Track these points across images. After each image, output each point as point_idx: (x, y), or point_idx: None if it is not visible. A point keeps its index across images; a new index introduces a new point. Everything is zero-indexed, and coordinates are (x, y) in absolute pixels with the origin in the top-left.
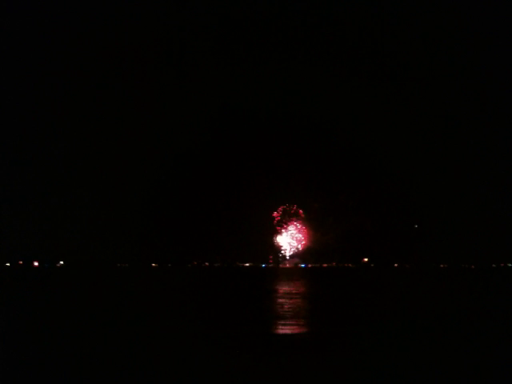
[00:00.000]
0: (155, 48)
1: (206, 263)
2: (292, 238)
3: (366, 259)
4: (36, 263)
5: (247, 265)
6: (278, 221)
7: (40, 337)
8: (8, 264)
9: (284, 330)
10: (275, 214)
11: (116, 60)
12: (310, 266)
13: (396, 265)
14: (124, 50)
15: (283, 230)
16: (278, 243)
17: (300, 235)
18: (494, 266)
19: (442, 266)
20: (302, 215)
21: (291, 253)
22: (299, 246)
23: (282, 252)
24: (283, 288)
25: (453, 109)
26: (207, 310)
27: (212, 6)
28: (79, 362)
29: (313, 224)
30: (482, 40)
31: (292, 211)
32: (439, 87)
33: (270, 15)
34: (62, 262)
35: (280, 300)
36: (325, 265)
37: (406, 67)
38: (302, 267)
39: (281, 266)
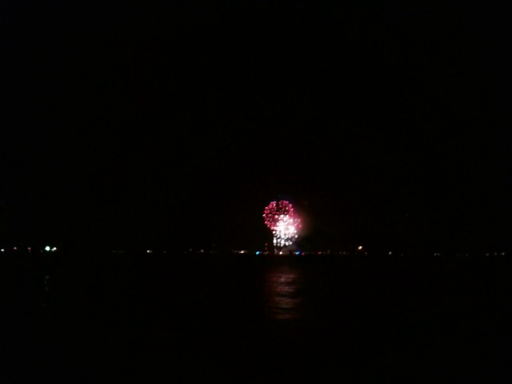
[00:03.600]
0: (155, 48)
1: (202, 250)
2: (288, 226)
3: (360, 247)
4: (30, 249)
5: (242, 252)
6: (275, 209)
7: (30, 329)
8: (3, 250)
9: (276, 323)
10: (272, 202)
11: (116, 60)
12: (303, 253)
13: (390, 253)
14: (124, 50)
15: (279, 218)
16: (273, 231)
17: (296, 223)
18: (487, 254)
19: (435, 254)
20: (306, 203)
21: (286, 240)
22: (295, 234)
23: (278, 239)
24: (275, 277)
25: (452, 108)
26: (198, 302)
27: (212, 5)
28: (76, 362)
29: (315, 212)
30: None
31: (286, 201)
32: (439, 87)
33: (270, 15)
34: (55, 248)
35: (271, 292)
36: (319, 252)
37: (406, 67)
38: (296, 255)
39: (276, 253)
